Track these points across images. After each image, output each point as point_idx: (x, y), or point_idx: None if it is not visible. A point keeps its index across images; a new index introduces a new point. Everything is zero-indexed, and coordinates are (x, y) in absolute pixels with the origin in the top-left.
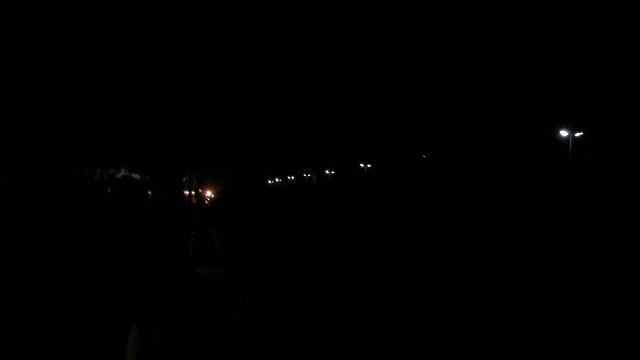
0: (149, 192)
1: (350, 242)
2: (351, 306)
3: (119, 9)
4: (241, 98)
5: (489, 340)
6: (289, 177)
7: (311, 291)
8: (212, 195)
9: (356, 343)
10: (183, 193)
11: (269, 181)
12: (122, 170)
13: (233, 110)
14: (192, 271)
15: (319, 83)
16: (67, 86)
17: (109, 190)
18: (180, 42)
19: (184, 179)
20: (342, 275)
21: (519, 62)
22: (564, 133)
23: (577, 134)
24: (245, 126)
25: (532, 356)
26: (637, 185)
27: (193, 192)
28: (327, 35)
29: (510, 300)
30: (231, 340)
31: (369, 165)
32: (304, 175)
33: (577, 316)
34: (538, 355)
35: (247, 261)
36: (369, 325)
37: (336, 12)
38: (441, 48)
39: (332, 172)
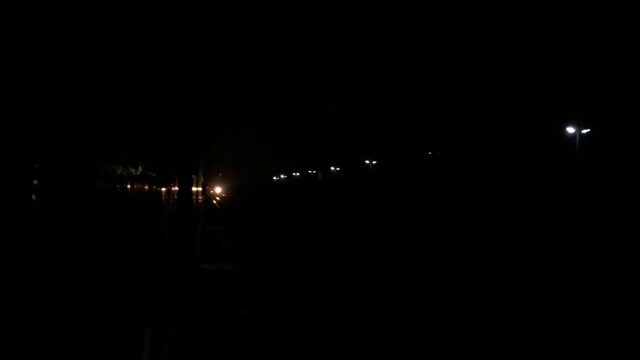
0: (162, 190)
1: (355, 239)
2: (354, 304)
3: (130, 10)
4: (248, 98)
5: (491, 341)
6: (294, 174)
7: (315, 288)
8: (221, 192)
9: (357, 340)
10: (192, 190)
11: (274, 178)
12: (138, 167)
13: (240, 109)
14: (199, 267)
15: (323, 82)
16: (76, 86)
17: (128, 187)
18: (189, 44)
19: (193, 176)
20: (345, 273)
21: (526, 59)
22: (570, 130)
23: (584, 131)
24: (250, 124)
25: (532, 356)
26: None
27: (200, 189)
28: (332, 36)
29: (513, 300)
30: (237, 335)
31: (374, 162)
32: (309, 172)
33: (579, 316)
34: (538, 355)
35: (252, 258)
36: (371, 321)
37: (342, 14)
38: (448, 46)
39: (338, 169)
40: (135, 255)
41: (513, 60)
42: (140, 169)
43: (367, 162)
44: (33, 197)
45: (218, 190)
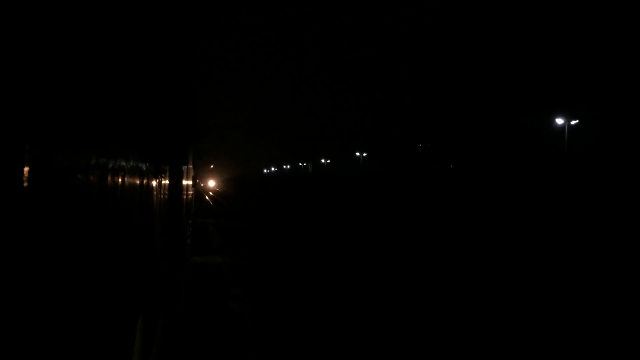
0: (153, 183)
1: (345, 233)
2: (344, 298)
3: (122, 5)
4: (239, 91)
5: (490, 341)
6: (284, 167)
7: (305, 282)
8: (215, 186)
9: (349, 335)
10: (182, 183)
11: (265, 170)
12: (129, 158)
13: (231, 102)
14: (190, 260)
15: (314, 74)
16: (64, 76)
17: (119, 179)
18: (180, 39)
19: (183, 167)
20: (336, 265)
21: (514, 48)
22: (559, 121)
23: (573, 122)
24: (241, 117)
25: (532, 356)
26: (634, 176)
27: (190, 182)
28: (322, 31)
29: (509, 298)
30: (228, 328)
31: (364, 154)
32: (300, 164)
33: (577, 315)
34: (538, 356)
35: (244, 251)
36: (365, 315)
37: (330, 7)
38: (434, 36)
39: (328, 161)
40: (125, 247)
41: (500, 50)
42: (130, 160)
43: (357, 154)
44: (24, 189)
45: (211, 184)
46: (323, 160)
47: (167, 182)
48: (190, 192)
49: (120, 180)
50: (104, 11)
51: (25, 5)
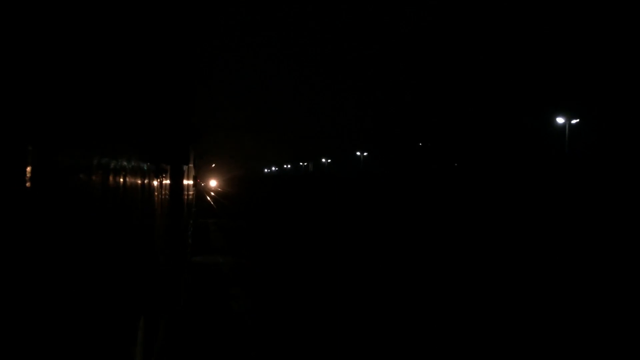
0: (154, 183)
1: (345, 232)
2: (344, 298)
3: (123, 5)
4: (240, 90)
5: (490, 341)
6: (285, 166)
7: (306, 282)
8: (217, 186)
9: (348, 335)
10: (183, 183)
11: (265, 170)
12: (131, 161)
13: (232, 102)
14: (191, 260)
15: (315, 74)
16: (66, 77)
17: (120, 181)
18: (180, 38)
19: (184, 167)
20: (336, 265)
21: (513, 48)
22: (560, 120)
23: (574, 121)
24: (242, 117)
25: (532, 356)
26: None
27: (191, 182)
28: (322, 31)
29: (509, 298)
30: (229, 329)
31: (365, 154)
32: (300, 164)
33: (577, 314)
34: (538, 356)
35: (244, 250)
36: (363, 317)
37: (330, 6)
38: (434, 36)
39: (329, 161)
40: (126, 247)
41: (501, 50)
42: (131, 160)
43: (357, 154)
44: (27, 190)
45: (213, 183)
46: (324, 160)
47: (168, 181)
48: (191, 192)
49: (121, 180)
50: (104, 12)
51: (25, 5)
